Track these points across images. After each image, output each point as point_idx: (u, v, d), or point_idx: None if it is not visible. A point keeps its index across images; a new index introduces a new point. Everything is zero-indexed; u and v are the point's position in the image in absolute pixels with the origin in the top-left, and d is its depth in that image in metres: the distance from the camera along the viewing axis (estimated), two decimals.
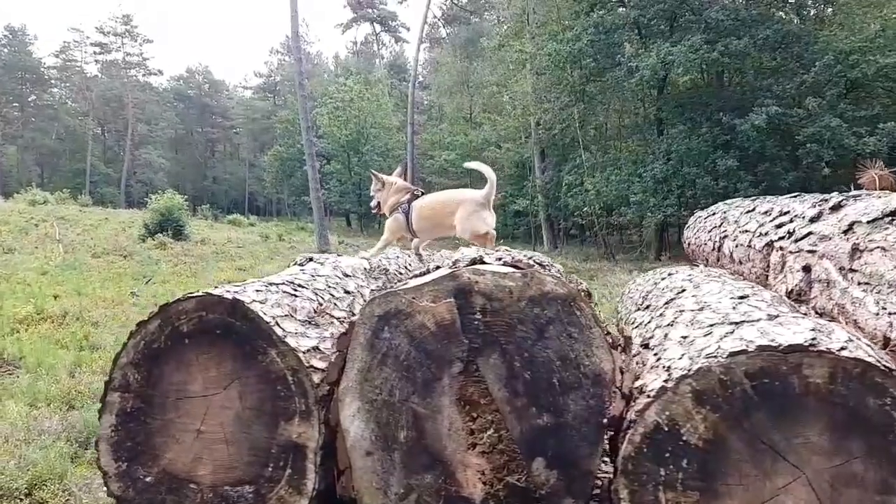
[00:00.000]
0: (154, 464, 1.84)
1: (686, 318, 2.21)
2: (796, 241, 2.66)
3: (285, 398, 1.80)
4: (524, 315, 1.70)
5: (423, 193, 3.77)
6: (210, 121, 75.80)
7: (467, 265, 1.82)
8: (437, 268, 1.98)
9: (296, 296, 2.06)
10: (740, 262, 3.46)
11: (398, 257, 3.35)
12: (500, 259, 1.91)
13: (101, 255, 20.64)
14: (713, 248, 4.11)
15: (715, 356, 1.56)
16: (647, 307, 2.93)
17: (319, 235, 25.95)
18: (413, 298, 1.70)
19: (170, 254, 21.86)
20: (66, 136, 62.13)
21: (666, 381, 1.58)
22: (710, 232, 4.30)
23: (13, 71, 59.83)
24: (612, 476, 1.72)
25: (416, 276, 1.96)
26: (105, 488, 1.86)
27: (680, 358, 1.66)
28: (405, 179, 3.93)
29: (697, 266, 4.59)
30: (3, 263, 16.72)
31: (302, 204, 50.37)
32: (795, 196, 3.23)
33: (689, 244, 5.04)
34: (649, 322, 2.61)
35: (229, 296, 1.82)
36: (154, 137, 65.32)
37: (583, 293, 1.73)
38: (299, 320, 1.93)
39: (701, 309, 2.27)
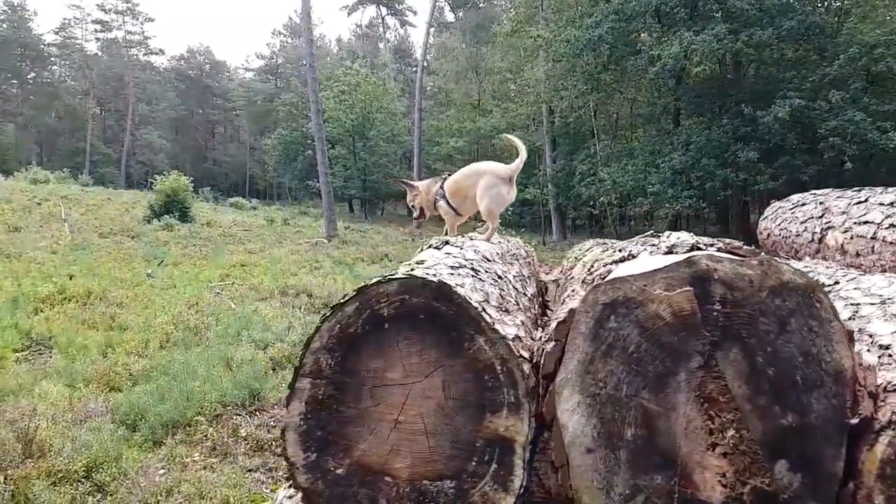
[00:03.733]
0: (346, 455, 1.72)
1: (873, 313, 2.10)
2: None
3: (493, 389, 1.68)
4: (765, 306, 1.58)
5: (449, 174, 3.71)
6: (211, 102, 75.17)
7: (687, 251, 1.70)
8: (638, 254, 1.86)
9: (482, 280, 1.94)
10: (857, 255, 3.35)
11: (501, 242, 3.23)
12: (711, 245, 1.79)
13: (108, 235, 20.48)
14: (812, 240, 3.99)
15: None
16: None
17: (328, 220, 25.79)
18: (645, 286, 1.58)
19: (177, 235, 21.71)
20: (65, 114, 61.54)
21: None
22: (804, 223, 4.19)
23: (12, 47, 59.03)
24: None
25: (616, 261, 1.84)
26: (291, 480, 1.74)
27: None
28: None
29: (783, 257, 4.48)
30: (11, 242, 16.54)
31: (305, 188, 50.03)
32: None
33: (767, 234, 4.93)
34: None
35: (435, 278, 1.69)
36: (154, 118, 64.74)
37: (821, 284, 1.61)
38: (494, 306, 1.81)
39: (883, 302, 2.17)
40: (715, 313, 1.57)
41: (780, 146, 18.77)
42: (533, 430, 1.67)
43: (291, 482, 1.74)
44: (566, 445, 1.62)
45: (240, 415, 6.00)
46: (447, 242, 2.55)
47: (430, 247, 2.56)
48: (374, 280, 1.70)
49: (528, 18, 27.67)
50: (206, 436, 5.50)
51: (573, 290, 2.01)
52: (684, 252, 1.71)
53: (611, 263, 1.83)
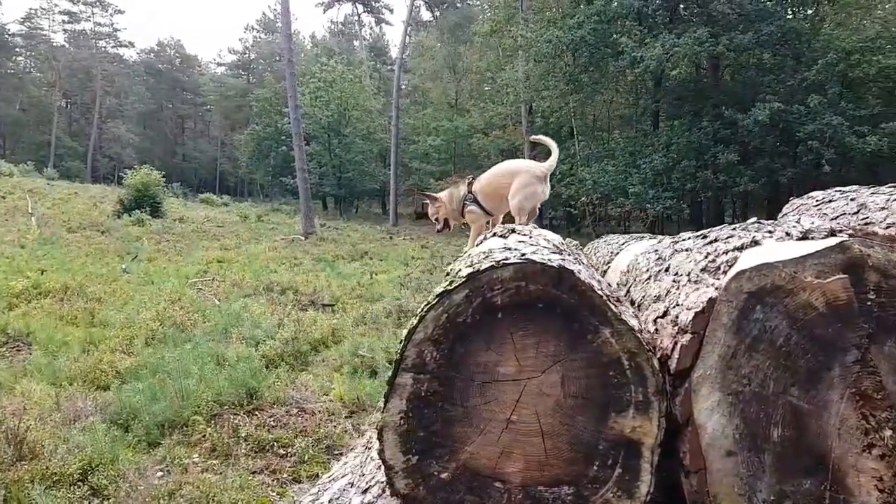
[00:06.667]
0: (452, 458, 1.54)
1: None
2: None
3: (618, 386, 1.51)
4: None
5: (474, 177, 3.59)
6: (181, 97, 73.78)
7: (825, 237, 1.57)
8: (761, 241, 1.72)
9: (587, 268, 1.78)
10: None
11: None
12: (840, 231, 1.66)
13: (77, 230, 19.88)
14: None
15: None
16: None
17: (305, 217, 25.40)
18: (795, 273, 1.44)
19: (149, 231, 21.18)
20: (30, 106, 59.82)
21: None
22: (835, 220, 4.10)
23: None
24: None
25: (737, 248, 1.69)
26: (389, 486, 1.56)
27: None
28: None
29: None
30: None
31: (279, 185, 49.40)
32: None
33: None
34: None
35: (554, 263, 1.53)
36: (123, 111, 63.36)
37: None
38: (608, 294, 1.65)
39: None
40: (869, 303, 1.44)
41: (759, 149, 19.00)
42: (662, 431, 1.52)
43: (389, 488, 1.56)
44: (704, 448, 1.47)
45: (237, 414, 5.76)
46: (514, 231, 2.39)
47: (494, 235, 2.39)
48: (487, 265, 1.52)
49: (508, 18, 27.61)
50: (204, 436, 5.26)
51: (674, 281, 1.86)
52: (821, 238, 1.57)
53: (733, 250, 1.69)
